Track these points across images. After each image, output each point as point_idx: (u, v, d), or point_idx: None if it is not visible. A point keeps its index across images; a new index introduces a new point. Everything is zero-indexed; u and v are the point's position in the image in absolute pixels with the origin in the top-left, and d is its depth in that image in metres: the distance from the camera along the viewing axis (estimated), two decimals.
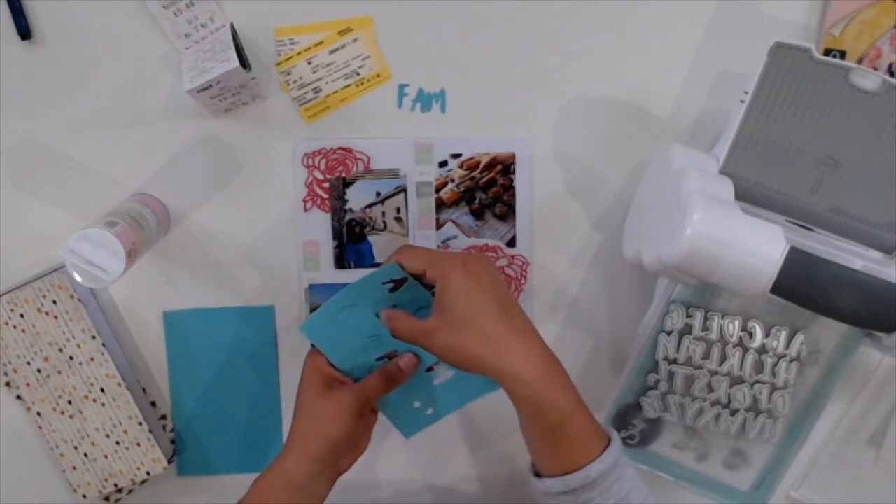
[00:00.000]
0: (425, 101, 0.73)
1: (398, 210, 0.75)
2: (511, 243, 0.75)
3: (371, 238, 0.75)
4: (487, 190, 0.74)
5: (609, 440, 0.59)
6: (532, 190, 0.74)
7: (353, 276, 0.75)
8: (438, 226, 0.75)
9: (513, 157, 0.74)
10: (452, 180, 0.74)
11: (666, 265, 0.59)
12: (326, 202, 0.74)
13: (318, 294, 0.76)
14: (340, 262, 0.75)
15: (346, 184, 0.74)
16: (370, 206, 0.75)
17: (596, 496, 0.57)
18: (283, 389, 0.77)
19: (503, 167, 0.74)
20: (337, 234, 0.75)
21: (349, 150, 0.73)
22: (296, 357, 0.76)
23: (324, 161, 0.73)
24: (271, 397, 0.78)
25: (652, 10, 0.71)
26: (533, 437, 0.60)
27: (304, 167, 0.73)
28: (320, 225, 0.75)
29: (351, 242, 0.75)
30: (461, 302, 0.59)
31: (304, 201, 0.74)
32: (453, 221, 0.75)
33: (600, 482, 0.57)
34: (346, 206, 0.74)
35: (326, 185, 0.74)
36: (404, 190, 0.74)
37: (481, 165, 0.74)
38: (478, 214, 0.75)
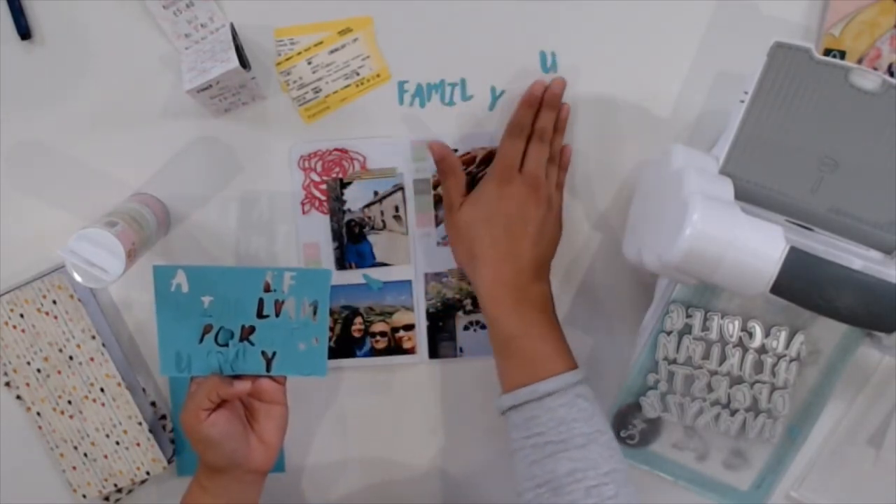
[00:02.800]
0: (425, 95, 0.73)
1: (397, 208, 0.75)
2: None
3: (371, 238, 0.75)
4: None
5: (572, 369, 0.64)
6: None
7: (355, 276, 0.75)
8: (437, 222, 0.75)
9: None
10: None
11: (666, 265, 0.59)
12: (324, 204, 0.74)
13: None
14: (342, 263, 0.75)
15: (344, 185, 0.74)
16: (368, 205, 0.75)
17: (541, 414, 0.62)
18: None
19: None
20: (337, 236, 0.75)
21: (345, 151, 0.73)
22: None
23: (320, 163, 0.73)
24: None
25: (652, 10, 0.71)
26: (493, 351, 0.67)
27: (301, 170, 0.73)
28: (320, 227, 0.75)
29: (351, 243, 0.75)
30: (479, 208, 0.68)
31: (303, 203, 0.74)
32: None
33: (547, 402, 0.62)
34: (345, 207, 0.74)
35: (324, 186, 0.74)
36: (402, 188, 0.74)
37: (478, 160, 0.74)
38: None
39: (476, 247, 0.68)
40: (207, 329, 0.69)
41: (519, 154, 0.69)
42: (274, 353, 0.70)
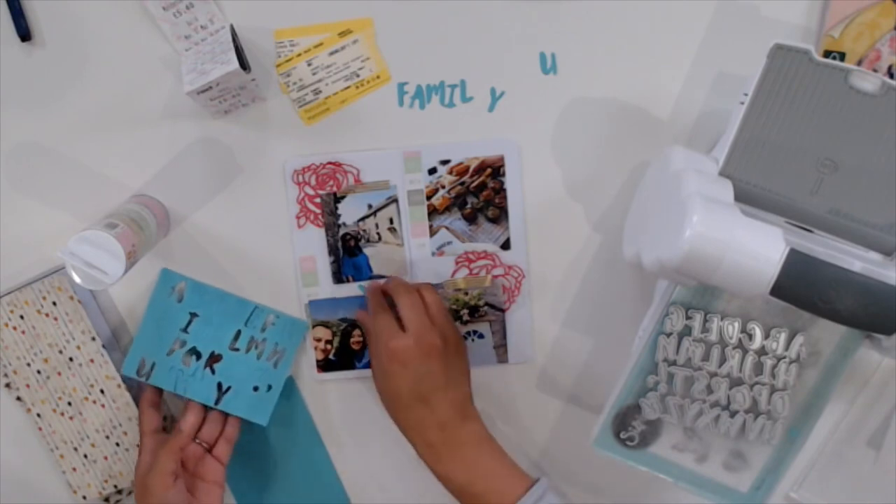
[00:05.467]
0: (425, 96, 0.73)
1: (391, 220, 0.75)
2: (506, 245, 0.75)
3: (367, 250, 0.75)
4: (479, 194, 0.74)
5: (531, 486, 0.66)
6: (524, 191, 0.74)
7: (352, 289, 0.75)
8: (432, 233, 0.75)
9: (501, 159, 0.74)
10: (443, 186, 0.74)
11: (665, 267, 0.58)
12: (319, 217, 0.74)
13: (318, 309, 0.76)
14: (339, 277, 0.75)
15: (338, 199, 0.74)
16: (363, 218, 0.75)
17: None
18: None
19: (493, 170, 0.74)
20: (332, 250, 0.75)
21: (338, 164, 0.73)
22: (301, 356, 0.77)
23: (314, 177, 0.73)
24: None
25: (652, 10, 0.71)
26: (450, 494, 0.69)
27: (295, 184, 0.73)
28: (315, 240, 0.75)
29: (347, 256, 0.75)
30: (385, 386, 0.70)
31: (298, 217, 0.74)
32: (447, 227, 0.75)
33: None
34: (339, 221, 0.74)
35: (318, 200, 0.74)
36: (395, 200, 0.74)
37: (471, 170, 0.74)
38: (470, 219, 0.75)
39: (397, 419, 0.70)
40: (180, 344, 0.72)
41: (391, 321, 0.70)
42: (228, 388, 0.73)
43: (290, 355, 0.74)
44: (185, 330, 0.73)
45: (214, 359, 0.73)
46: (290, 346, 0.74)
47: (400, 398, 0.69)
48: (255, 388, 0.74)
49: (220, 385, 0.73)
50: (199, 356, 0.73)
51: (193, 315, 0.73)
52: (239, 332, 0.73)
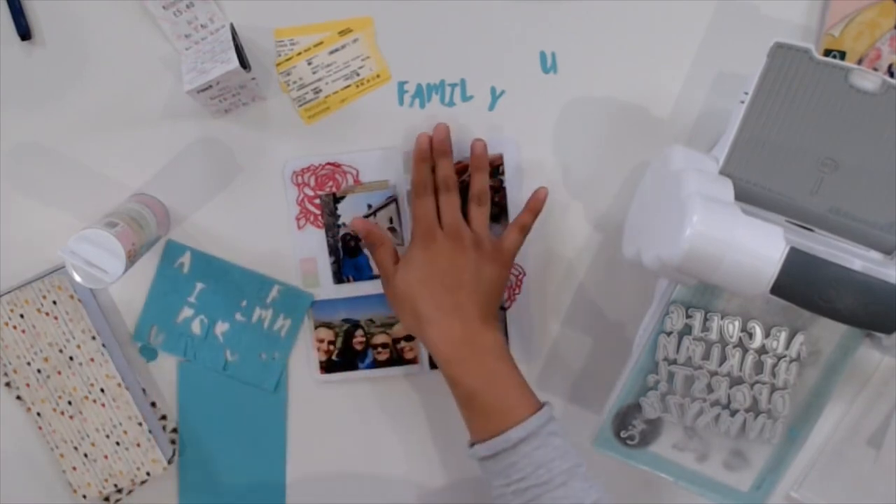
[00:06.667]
0: (425, 95, 0.73)
1: (391, 220, 0.75)
2: None
3: (367, 251, 0.75)
4: None
5: (538, 409, 0.64)
6: (523, 190, 0.74)
7: (353, 289, 0.75)
8: None
9: (501, 157, 0.74)
10: None
11: (666, 266, 0.59)
12: (319, 218, 0.74)
13: (320, 310, 0.76)
14: (339, 278, 0.75)
15: (337, 199, 0.74)
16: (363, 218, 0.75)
17: (518, 460, 0.62)
18: (289, 390, 0.77)
19: (493, 168, 0.74)
20: (333, 250, 0.75)
21: (338, 165, 0.73)
22: (301, 355, 0.77)
23: (313, 178, 0.73)
24: (276, 406, 0.78)
25: (652, 10, 0.71)
26: (457, 404, 0.68)
27: (295, 185, 0.73)
28: (315, 241, 0.75)
29: (348, 257, 0.75)
30: (412, 271, 0.69)
31: (297, 219, 0.74)
32: None
33: (522, 448, 0.62)
34: (339, 222, 0.74)
35: (318, 201, 0.74)
36: (395, 199, 0.74)
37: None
38: None
39: (419, 309, 0.68)
40: (187, 313, 0.74)
41: (431, 210, 0.70)
42: (235, 355, 0.74)
43: (296, 325, 0.75)
44: (191, 299, 0.73)
45: (221, 327, 0.74)
46: (295, 316, 0.75)
47: (428, 286, 0.68)
48: (262, 356, 0.75)
49: (227, 352, 0.74)
50: (205, 324, 0.74)
51: (199, 285, 0.74)
52: (244, 302, 0.74)
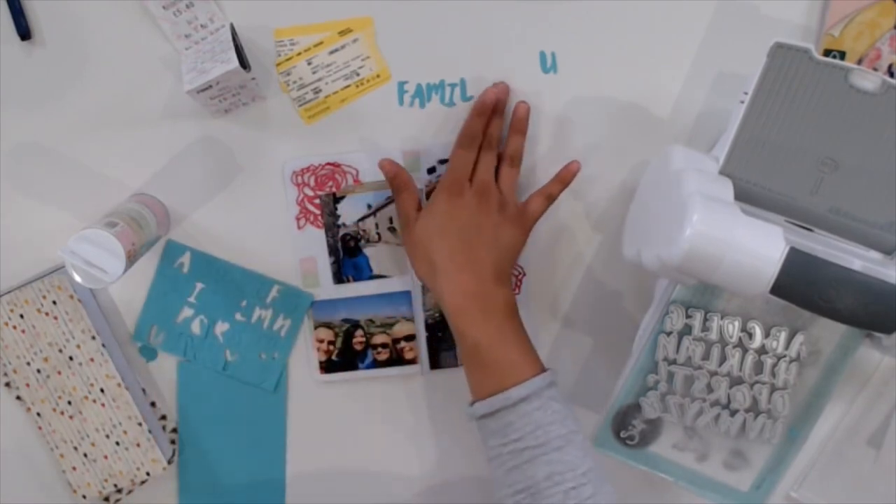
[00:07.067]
0: (425, 95, 0.73)
1: (391, 220, 0.75)
2: None
3: (367, 251, 0.75)
4: None
5: (541, 372, 0.64)
6: (523, 189, 0.74)
7: (353, 289, 0.75)
8: None
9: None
10: None
11: (666, 265, 0.58)
12: (319, 218, 0.74)
13: (320, 310, 0.76)
14: (339, 278, 0.75)
15: (337, 199, 0.74)
16: (363, 218, 0.75)
17: (516, 419, 0.62)
18: (289, 390, 0.78)
19: None
20: (333, 250, 0.75)
21: (337, 165, 0.73)
22: (301, 355, 0.77)
23: (313, 178, 0.73)
24: (276, 406, 0.78)
25: (652, 10, 0.71)
26: (461, 359, 0.69)
27: (294, 185, 0.73)
28: (315, 241, 0.75)
29: (347, 257, 0.75)
30: (433, 220, 0.69)
31: (297, 219, 0.74)
32: None
33: (521, 407, 0.62)
34: (339, 222, 0.74)
35: (317, 201, 0.74)
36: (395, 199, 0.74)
37: None
38: None
39: (434, 258, 0.68)
40: (187, 313, 0.74)
41: (469, 164, 0.70)
42: (235, 355, 0.74)
43: (296, 325, 0.75)
44: (191, 299, 0.73)
45: (221, 327, 0.74)
46: (294, 316, 0.75)
47: (447, 238, 0.68)
48: (261, 356, 0.75)
49: (227, 352, 0.75)
50: (205, 324, 0.74)
51: (199, 285, 0.74)
52: (244, 302, 0.74)
